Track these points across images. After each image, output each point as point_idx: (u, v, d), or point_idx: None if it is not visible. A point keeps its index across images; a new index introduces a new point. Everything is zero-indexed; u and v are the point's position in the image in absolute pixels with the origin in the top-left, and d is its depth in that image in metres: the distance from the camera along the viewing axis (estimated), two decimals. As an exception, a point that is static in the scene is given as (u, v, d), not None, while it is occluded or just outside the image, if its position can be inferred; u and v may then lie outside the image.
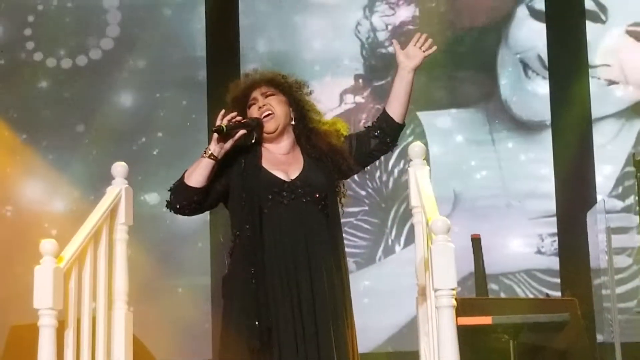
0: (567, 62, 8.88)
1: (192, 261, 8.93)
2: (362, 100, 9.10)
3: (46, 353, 5.24)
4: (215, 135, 4.61)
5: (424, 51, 4.86)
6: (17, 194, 9.15)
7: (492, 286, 8.66)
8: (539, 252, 8.79)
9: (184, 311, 8.70)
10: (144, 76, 9.28)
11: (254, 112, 4.81)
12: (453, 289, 5.09)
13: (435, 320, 5.24)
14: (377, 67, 9.14)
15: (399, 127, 5.00)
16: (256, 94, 4.84)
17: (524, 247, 8.84)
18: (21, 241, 8.72)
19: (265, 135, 4.81)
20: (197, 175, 4.66)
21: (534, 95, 9.04)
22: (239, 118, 4.67)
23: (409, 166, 6.06)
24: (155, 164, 9.06)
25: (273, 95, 4.84)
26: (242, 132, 4.67)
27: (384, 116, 4.93)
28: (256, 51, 9.10)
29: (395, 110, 4.93)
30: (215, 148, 4.63)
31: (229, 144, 4.66)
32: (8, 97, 9.26)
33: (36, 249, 5.25)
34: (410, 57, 4.89)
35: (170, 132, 9.16)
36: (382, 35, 9.19)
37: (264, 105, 4.81)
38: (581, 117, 8.78)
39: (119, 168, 6.18)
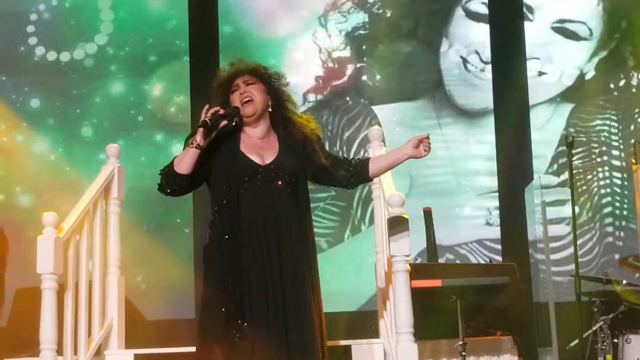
0: (507, 55, 8.93)
1: (177, 231, 8.94)
2: (323, 98, 9.13)
3: (48, 313, 5.25)
4: (201, 128, 4.62)
5: (425, 151, 4.85)
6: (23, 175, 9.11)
7: (449, 256, 8.71)
8: (488, 223, 8.85)
9: (170, 275, 8.71)
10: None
11: (235, 97, 4.83)
12: (407, 256, 5.14)
13: (391, 282, 5.29)
14: (334, 68, 9.17)
15: (366, 181, 5.03)
16: (239, 81, 4.85)
17: (474, 219, 8.90)
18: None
19: (244, 119, 4.83)
20: (185, 164, 4.65)
21: (474, 86, 9.09)
22: (221, 111, 4.69)
23: (368, 148, 6.11)
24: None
25: (254, 84, 4.85)
26: (224, 122, 4.69)
27: (364, 165, 4.92)
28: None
29: (374, 171, 4.93)
30: (200, 139, 4.64)
31: (212, 134, 4.68)
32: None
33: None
34: (416, 150, 4.86)
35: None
36: (337, 40, 9.22)
37: (245, 92, 4.83)
38: (520, 103, 8.84)
39: (112, 149, 6.19)
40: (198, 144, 4.64)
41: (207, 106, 4.67)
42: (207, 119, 4.61)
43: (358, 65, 9.16)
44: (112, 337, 5.93)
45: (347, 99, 9.10)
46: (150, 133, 9.10)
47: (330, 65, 9.16)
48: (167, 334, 7.17)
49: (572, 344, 6.88)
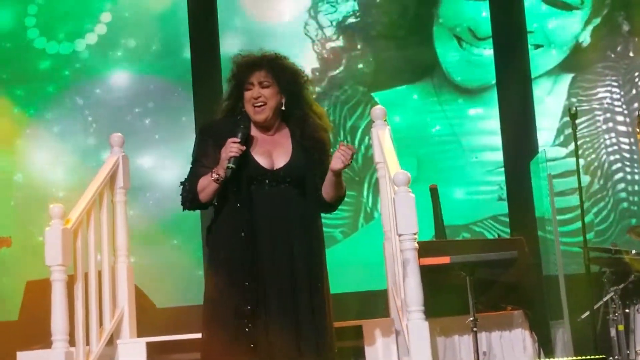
0: (508, 28, 8.90)
1: (185, 217, 8.93)
2: (321, 90, 9.09)
3: (58, 304, 5.26)
4: (227, 168, 4.62)
5: (343, 162, 4.65)
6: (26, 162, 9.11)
7: (465, 234, 8.69)
8: (500, 199, 8.83)
9: (179, 262, 8.71)
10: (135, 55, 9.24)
11: (248, 98, 4.76)
12: (415, 234, 5.13)
13: (400, 261, 5.28)
14: (329, 59, 9.13)
15: (329, 205, 4.88)
16: (254, 79, 4.76)
17: (486, 196, 8.88)
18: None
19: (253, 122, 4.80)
20: (208, 195, 4.70)
21: (471, 63, 9.06)
22: (239, 146, 4.64)
23: (372, 127, 6.09)
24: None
25: (268, 87, 4.76)
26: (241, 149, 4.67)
27: (321, 198, 4.84)
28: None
29: (326, 196, 4.82)
30: (223, 174, 4.63)
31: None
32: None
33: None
34: (334, 163, 4.70)
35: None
36: (329, 31, 9.18)
37: (258, 97, 4.76)
38: (522, 76, 8.81)
39: (116, 138, 6.18)
40: (221, 179, 4.63)
41: (232, 146, 4.63)
42: (231, 165, 4.61)
43: (353, 53, 9.12)
44: (124, 326, 5.93)
45: (346, 88, 9.06)
46: (155, 124, 9.09)
47: (325, 56, 9.12)
48: (178, 321, 7.17)
49: (583, 316, 6.87)
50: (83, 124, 9.11)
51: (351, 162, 4.69)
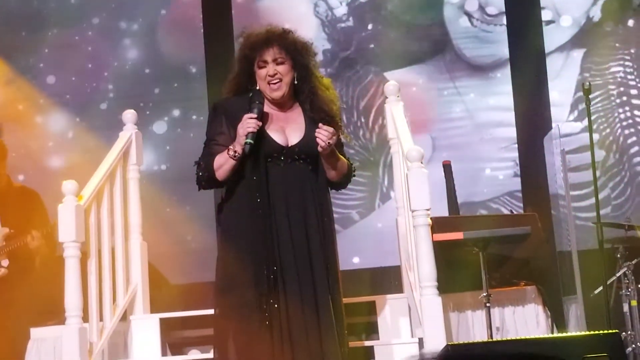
0: (521, 4, 8.85)
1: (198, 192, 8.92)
2: (334, 71, 9.04)
3: (72, 280, 5.26)
4: (245, 144, 4.61)
5: (323, 142, 4.66)
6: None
7: (482, 211, 8.65)
8: (516, 175, 8.79)
9: (193, 238, 8.71)
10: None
11: (262, 75, 4.75)
12: (428, 209, 5.12)
13: (413, 237, 5.27)
14: (340, 40, 9.08)
15: (337, 184, 4.92)
16: (267, 56, 4.75)
17: (501, 172, 8.84)
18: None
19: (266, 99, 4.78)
20: (225, 172, 4.70)
21: (482, 40, 9.01)
22: (256, 127, 4.64)
23: (386, 103, 6.07)
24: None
25: (282, 63, 4.75)
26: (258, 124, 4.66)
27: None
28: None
29: (328, 176, 4.84)
30: (240, 150, 4.63)
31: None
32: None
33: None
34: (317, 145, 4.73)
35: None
36: (339, 12, 9.13)
37: (274, 74, 4.75)
38: (536, 52, 8.76)
39: (129, 115, 6.17)
40: (238, 155, 4.62)
41: (249, 121, 4.62)
42: (249, 141, 4.61)
43: (363, 34, 9.07)
44: (137, 302, 5.94)
45: (357, 68, 9.02)
46: (168, 101, 9.06)
47: (336, 37, 9.08)
48: (191, 297, 7.19)
49: (596, 291, 6.85)
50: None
51: (333, 142, 4.68)
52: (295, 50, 4.77)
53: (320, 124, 4.69)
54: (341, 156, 4.84)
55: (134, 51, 9.14)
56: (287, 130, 4.79)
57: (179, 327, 5.96)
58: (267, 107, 4.81)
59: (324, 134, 4.65)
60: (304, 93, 4.82)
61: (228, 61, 8.54)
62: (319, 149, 4.67)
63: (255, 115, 4.64)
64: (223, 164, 4.68)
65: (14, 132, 8.72)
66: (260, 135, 4.68)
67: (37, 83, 9.06)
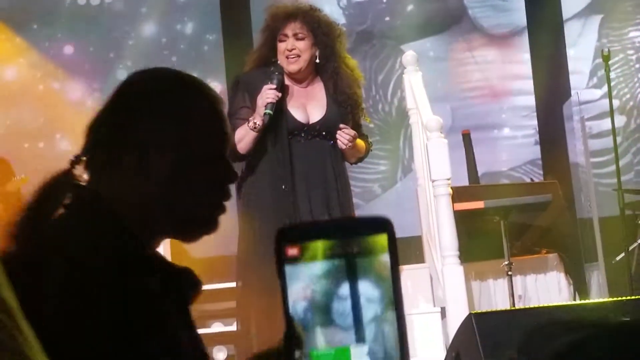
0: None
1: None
2: (350, 46, 8.96)
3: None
4: (264, 114, 4.59)
5: (343, 144, 4.73)
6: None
7: (504, 181, 8.62)
8: (537, 143, 8.75)
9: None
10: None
11: (282, 49, 4.74)
12: (448, 179, 5.11)
13: (434, 207, 5.27)
14: (356, 14, 9.03)
15: (354, 163, 4.98)
16: (288, 30, 4.74)
17: (522, 140, 8.81)
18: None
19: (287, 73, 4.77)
20: (247, 145, 4.66)
21: (498, 8, 8.95)
22: (276, 97, 4.63)
23: (404, 74, 6.05)
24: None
25: (303, 39, 4.73)
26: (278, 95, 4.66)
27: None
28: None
29: (346, 159, 4.88)
30: (261, 122, 4.61)
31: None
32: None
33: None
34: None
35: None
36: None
37: (292, 49, 4.74)
38: (553, 18, 8.71)
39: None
40: (259, 128, 4.61)
41: (269, 91, 4.61)
42: (269, 111, 4.59)
43: (379, 7, 9.02)
44: (160, 277, 5.95)
45: (374, 42, 8.98)
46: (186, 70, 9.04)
47: (352, 11, 9.03)
48: (214, 270, 7.21)
49: (617, 258, 6.84)
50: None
51: (353, 143, 4.73)
52: (318, 28, 4.74)
53: (341, 125, 4.71)
54: (359, 140, 4.83)
55: (150, 22, 9.14)
56: (309, 107, 4.78)
57: (201, 300, 5.95)
58: (288, 81, 4.80)
59: (345, 137, 4.69)
60: (327, 72, 4.80)
61: (245, 31, 8.64)
62: (341, 147, 4.73)
63: (275, 86, 4.63)
64: (244, 136, 4.67)
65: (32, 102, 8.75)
66: (281, 111, 4.67)
67: (54, 53, 9.08)
